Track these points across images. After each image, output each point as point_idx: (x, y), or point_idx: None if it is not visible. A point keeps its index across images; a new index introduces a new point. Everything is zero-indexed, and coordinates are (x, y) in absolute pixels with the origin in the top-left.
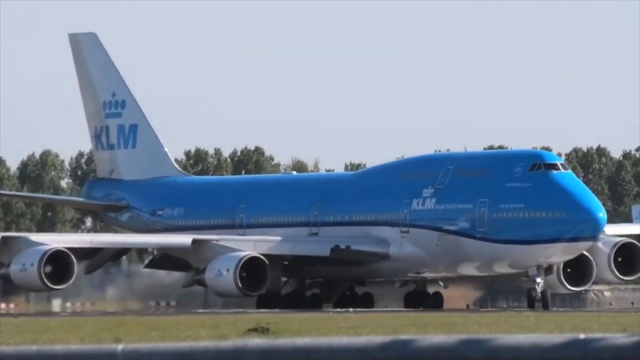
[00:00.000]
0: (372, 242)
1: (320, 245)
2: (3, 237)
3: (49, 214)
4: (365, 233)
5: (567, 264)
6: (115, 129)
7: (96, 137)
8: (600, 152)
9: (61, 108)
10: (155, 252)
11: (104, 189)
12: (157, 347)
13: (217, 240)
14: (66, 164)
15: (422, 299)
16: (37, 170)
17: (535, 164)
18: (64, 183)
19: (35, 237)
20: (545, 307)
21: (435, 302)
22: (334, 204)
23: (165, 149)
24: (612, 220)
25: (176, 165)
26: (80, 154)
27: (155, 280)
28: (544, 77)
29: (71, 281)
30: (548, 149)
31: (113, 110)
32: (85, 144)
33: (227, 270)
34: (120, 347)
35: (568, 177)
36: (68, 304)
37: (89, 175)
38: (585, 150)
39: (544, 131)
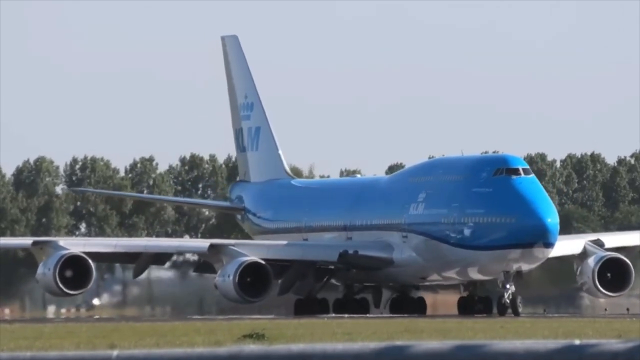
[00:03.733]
0: (379, 247)
1: (329, 250)
2: (35, 242)
3: (44, 220)
4: (379, 238)
5: (606, 269)
6: (246, 132)
7: (236, 139)
8: (595, 158)
9: (55, 115)
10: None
11: (238, 191)
12: (152, 353)
13: (233, 245)
14: (61, 170)
15: (472, 304)
16: (31, 177)
17: (499, 169)
18: (59, 189)
19: (63, 241)
20: (516, 313)
21: (484, 308)
22: (363, 208)
23: (279, 152)
24: (607, 227)
25: (287, 168)
26: (75, 160)
27: (149, 286)
28: (539, 82)
29: (89, 286)
30: (543, 155)
31: (245, 113)
32: (79, 150)
33: (229, 275)
34: (115, 353)
35: (526, 182)
36: (63, 310)
37: (84, 181)
38: (579, 156)
39: (539, 137)
